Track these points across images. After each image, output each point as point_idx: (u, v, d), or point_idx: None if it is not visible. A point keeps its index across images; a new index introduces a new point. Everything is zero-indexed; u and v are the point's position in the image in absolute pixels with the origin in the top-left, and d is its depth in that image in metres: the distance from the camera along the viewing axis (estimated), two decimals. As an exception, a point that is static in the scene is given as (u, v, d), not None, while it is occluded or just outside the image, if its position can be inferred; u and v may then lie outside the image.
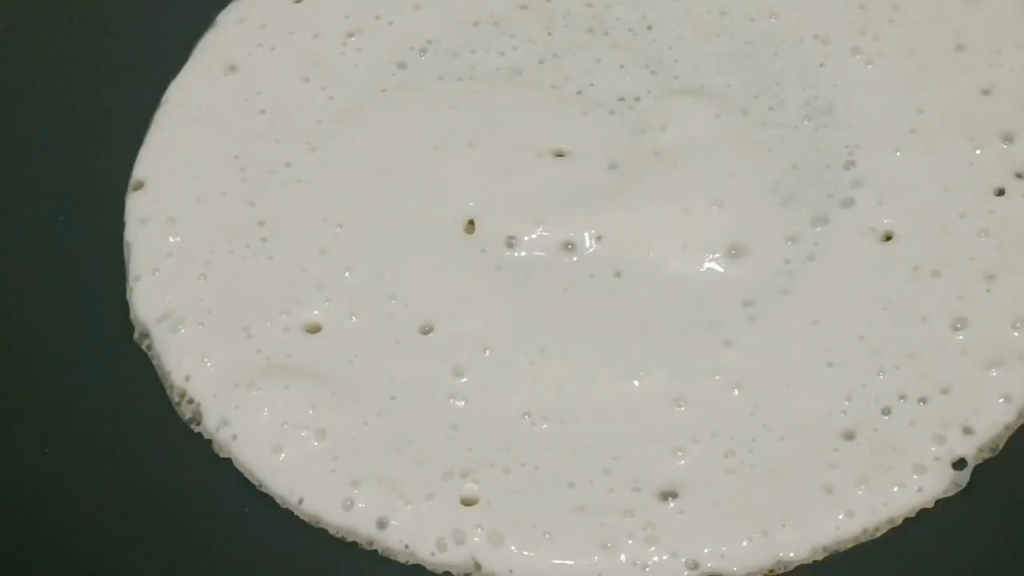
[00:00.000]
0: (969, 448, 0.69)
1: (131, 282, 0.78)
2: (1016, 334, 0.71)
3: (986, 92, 0.78)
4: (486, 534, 0.68)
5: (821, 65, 0.80)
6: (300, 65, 0.84)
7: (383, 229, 0.78)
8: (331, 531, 0.70)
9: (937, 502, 0.68)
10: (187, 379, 0.74)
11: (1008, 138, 0.77)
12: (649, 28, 0.83)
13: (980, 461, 0.68)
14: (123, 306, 0.77)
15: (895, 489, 0.68)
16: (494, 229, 0.77)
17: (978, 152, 0.76)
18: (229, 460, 0.72)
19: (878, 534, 0.67)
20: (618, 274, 0.75)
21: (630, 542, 0.67)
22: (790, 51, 0.81)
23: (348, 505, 0.70)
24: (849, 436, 0.69)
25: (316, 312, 0.76)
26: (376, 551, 0.69)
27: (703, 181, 0.77)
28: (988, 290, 0.73)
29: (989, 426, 0.69)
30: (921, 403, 0.70)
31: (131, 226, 0.80)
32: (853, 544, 0.67)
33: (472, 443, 0.71)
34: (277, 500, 0.71)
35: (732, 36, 0.82)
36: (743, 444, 0.70)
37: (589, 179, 0.78)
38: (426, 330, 0.75)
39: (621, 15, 0.84)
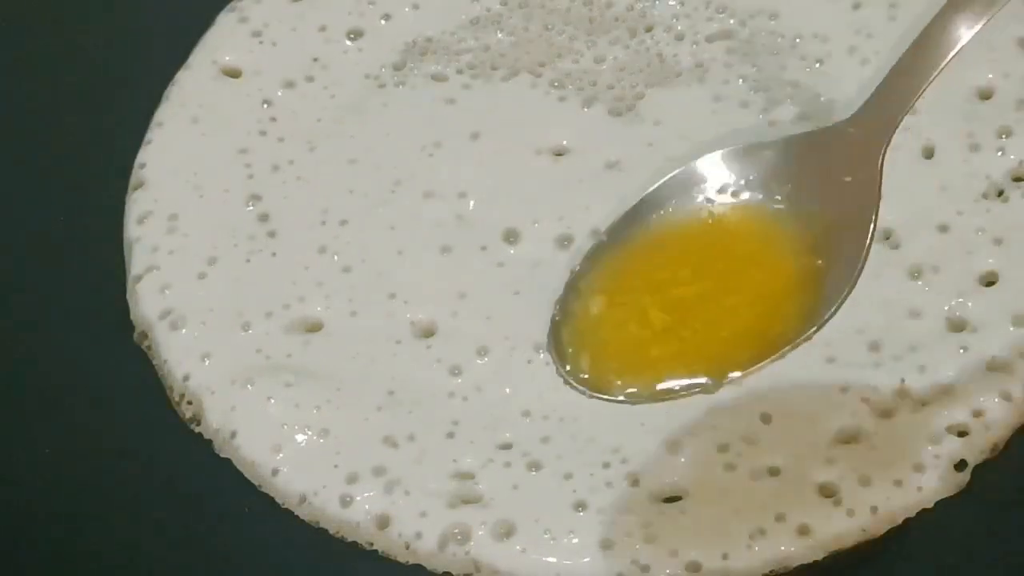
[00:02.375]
0: (969, 448, 0.68)
1: (131, 281, 0.78)
2: (1015, 332, 0.71)
3: (983, 90, 0.79)
4: (487, 531, 0.68)
5: (819, 63, 0.80)
6: (300, 64, 0.85)
7: (383, 226, 0.78)
8: (331, 531, 0.70)
9: (937, 502, 0.67)
10: (187, 378, 0.74)
11: (1005, 136, 0.77)
12: (648, 26, 0.83)
13: (980, 461, 0.68)
14: (123, 306, 0.77)
15: (895, 488, 0.67)
16: (493, 226, 0.77)
17: (975, 150, 0.76)
18: (229, 460, 0.72)
19: (878, 534, 0.67)
20: (617, 271, 0.75)
21: (629, 540, 0.67)
22: (789, 49, 0.81)
23: (348, 504, 0.70)
24: (849, 434, 0.69)
25: (318, 309, 0.76)
26: (376, 551, 0.69)
27: (702, 178, 0.77)
28: (987, 288, 0.73)
29: (989, 426, 0.69)
30: (921, 402, 0.70)
31: (131, 225, 0.80)
32: (853, 544, 0.67)
33: (473, 438, 0.71)
34: (277, 500, 0.71)
35: (731, 34, 0.82)
36: (742, 440, 0.70)
37: (588, 176, 0.78)
38: (426, 327, 0.75)
39: (620, 13, 0.84)
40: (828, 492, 0.68)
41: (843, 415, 0.70)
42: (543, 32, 0.84)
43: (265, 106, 0.83)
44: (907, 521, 0.67)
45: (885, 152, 0.67)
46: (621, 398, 0.66)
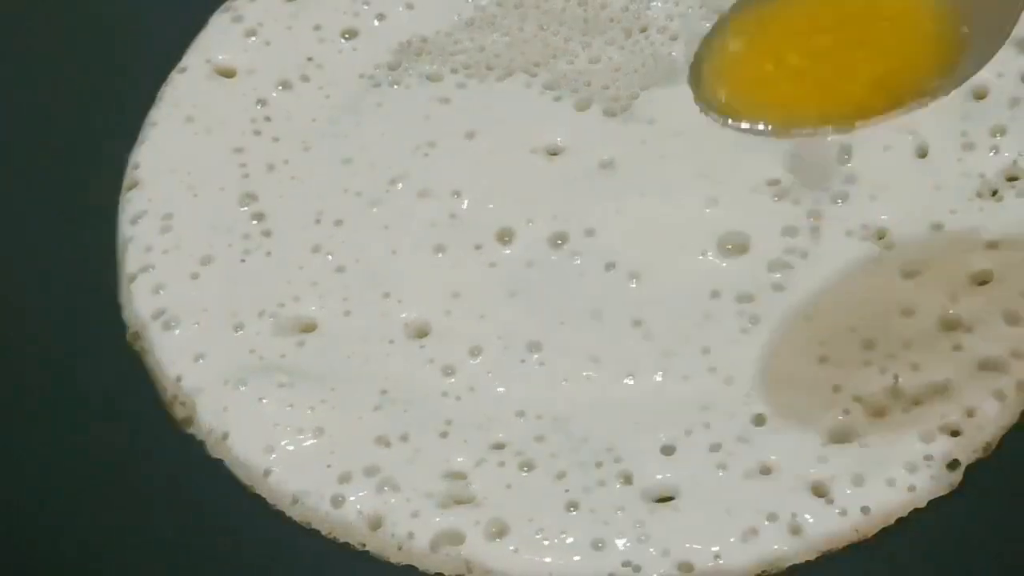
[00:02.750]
0: (962, 447, 0.68)
1: (125, 281, 0.78)
2: (1009, 331, 0.71)
3: (977, 89, 0.78)
4: (480, 531, 0.68)
5: (815, 62, 0.81)
6: (295, 63, 0.85)
7: (377, 226, 0.78)
8: (323, 532, 0.70)
9: (929, 502, 0.67)
10: (180, 379, 0.74)
11: (999, 135, 0.77)
12: (643, 27, 0.83)
13: (972, 460, 0.68)
14: (116, 306, 0.77)
15: (887, 488, 0.67)
16: (488, 226, 0.77)
17: (968, 149, 0.76)
18: (222, 461, 0.72)
19: (870, 534, 0.67)
20: (611, 269, 0.75)
21: (622, 540, 0.67)
22: (785, 48, 0.81)
23: (340, 505, 0.70)
24: (841, 433, 0.69)
25: (312, 309, 0.76)
26: (368, 552, 0.69)
27: (697, 177, 0.77)
28: (980, 287, 0.72)
29: (982, 425, 0.69)
30: (914, 401, 0.70)
31: (125, 224, 0.80)
32: (845, 544, 0.67)
33: (466, 437, 0.71)
34: (269, 501, 0.71)
35: (727, 34, 0.82)
36: (735, 439, 0.69)
37: (582, 176, 0.78)
38: (420, 327, 0.75)
39: (615, 14, 0.84)
40: (820, 491, 0.68)
41: (835, 414, 0.69)
42: (538, 32, 0.84)
43: (259, 106, 0.83)
44: (899, 521, 0.67)
45: None
46: (758, 127, 0.64)
